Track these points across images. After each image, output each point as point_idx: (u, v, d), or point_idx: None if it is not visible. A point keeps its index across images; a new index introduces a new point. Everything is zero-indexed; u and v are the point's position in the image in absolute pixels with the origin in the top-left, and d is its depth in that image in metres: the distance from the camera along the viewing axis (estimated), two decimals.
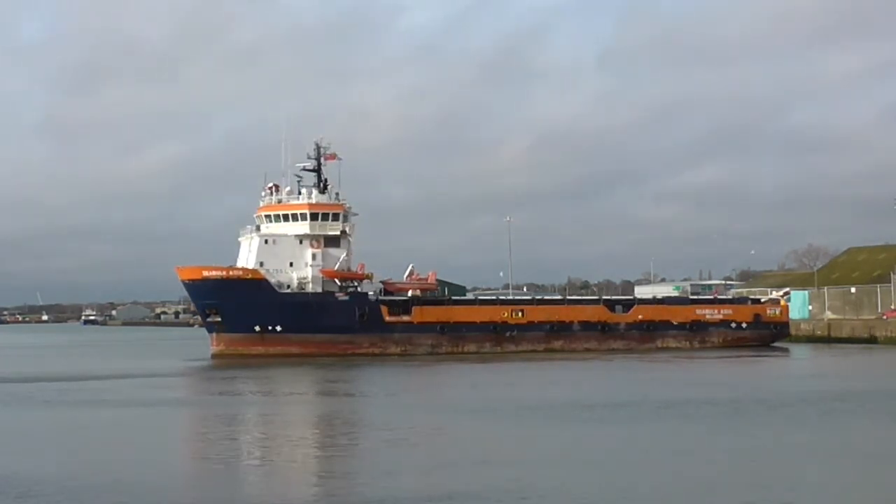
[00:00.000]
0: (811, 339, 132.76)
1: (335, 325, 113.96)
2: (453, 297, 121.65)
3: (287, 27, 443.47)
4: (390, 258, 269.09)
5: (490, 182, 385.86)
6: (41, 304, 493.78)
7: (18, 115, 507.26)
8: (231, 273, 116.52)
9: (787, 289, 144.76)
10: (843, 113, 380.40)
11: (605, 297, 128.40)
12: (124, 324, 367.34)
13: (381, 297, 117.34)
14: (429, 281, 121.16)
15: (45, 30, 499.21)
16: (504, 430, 47.19)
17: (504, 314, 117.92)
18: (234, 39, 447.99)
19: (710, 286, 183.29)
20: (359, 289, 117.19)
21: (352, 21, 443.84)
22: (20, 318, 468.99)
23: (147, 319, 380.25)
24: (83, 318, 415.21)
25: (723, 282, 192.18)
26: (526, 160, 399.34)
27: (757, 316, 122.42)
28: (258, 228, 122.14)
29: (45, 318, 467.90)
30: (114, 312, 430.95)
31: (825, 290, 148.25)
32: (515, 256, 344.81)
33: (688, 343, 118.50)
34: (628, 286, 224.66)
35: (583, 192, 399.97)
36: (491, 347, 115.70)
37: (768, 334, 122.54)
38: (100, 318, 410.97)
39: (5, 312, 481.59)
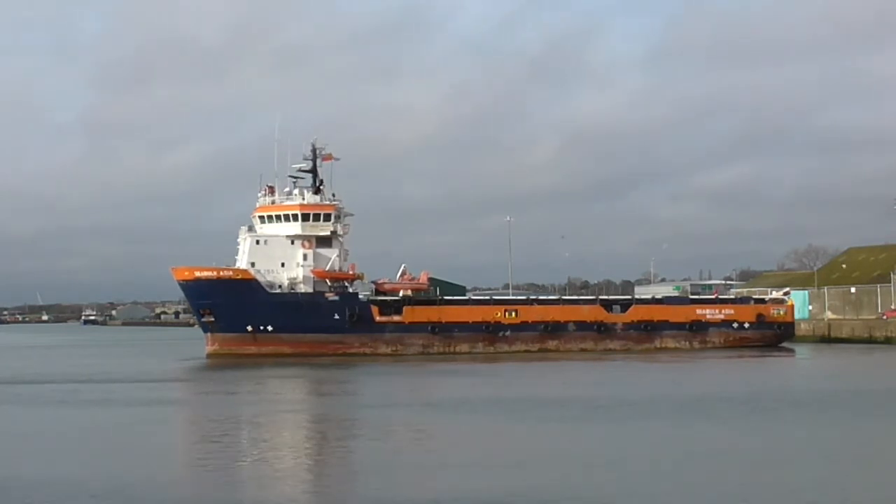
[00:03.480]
0: (811, 340, 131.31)
1: (325, 325, 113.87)
2: (445, 297, 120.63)
3: (340, 26, 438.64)
4: (402, 257, 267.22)
5: (514, 182, 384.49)
6: (41, 303, 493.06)
7: (53, 114, 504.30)
8: (222, 274, 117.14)
9: (787, 289, 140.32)
10: (875, 115, 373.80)
11: (601, 297, 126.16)
12: (124, 324, 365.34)
13: (372, 297, 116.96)
14: (420, 281, 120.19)
15: (99, 27, 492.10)
16: (528, 431, 46.37)
17: (497, 314, 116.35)
18: (285, 39, 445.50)
19: (710, 286, 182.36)
20: (349, 289, 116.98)
21: (405, 20, 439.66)
22: (20, 318, 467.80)
23: (147, 319, 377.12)
24: (83, 318, 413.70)
25: (723, 282, 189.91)
26: (553, 160, 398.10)
27: (760, 316, 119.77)
28: (250, 229, 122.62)
29: (45, 318, 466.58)
30: (114, 312, 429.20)
31: (825, 290, 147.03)
32: (526, 257, 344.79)
33: (687, 344, 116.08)
34: (628, 286, 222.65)
35: (603, 192, 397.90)
36: (483, 348, 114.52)
37: (772, 335, 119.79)
38: (100, 318, 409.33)
39: (5, 312, 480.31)
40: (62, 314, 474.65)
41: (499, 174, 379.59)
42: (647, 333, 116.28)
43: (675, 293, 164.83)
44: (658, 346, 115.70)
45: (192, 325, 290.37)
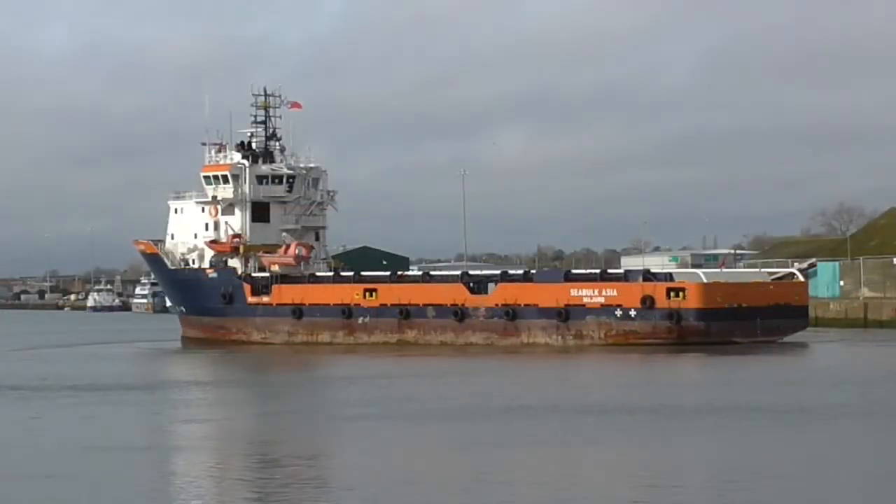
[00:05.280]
0: (843, 324, 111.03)
1: (208, 306, 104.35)
2: (316, 274, 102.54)
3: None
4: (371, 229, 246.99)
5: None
6: None
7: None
8: (140, 248, 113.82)
9: (812, 259, 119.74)
10: None
11: (468, 272, 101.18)
12: None
13: (246, 275, 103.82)
14: (287, 254, 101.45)
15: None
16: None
17: (356, 295, 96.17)
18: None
19: (715, 256, 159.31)
20: (239, 264, 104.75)
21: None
22: None
23: (3, 301, 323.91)
24: None
25: (731, 251, 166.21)
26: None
27: (648, 301, 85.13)
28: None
29: None
30: None
31: (860, 262, 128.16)
32: (493, 224, 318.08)
33: (559, 338, 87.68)
34: (613, 257, 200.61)
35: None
36: (343, 337, 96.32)
37: (666, 329, 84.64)
38: None
39: None
40: None
41: None
42: (512, 322, 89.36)
43: (674, 265, 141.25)
44: (525, 340, 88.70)
45: (63, 308, 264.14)
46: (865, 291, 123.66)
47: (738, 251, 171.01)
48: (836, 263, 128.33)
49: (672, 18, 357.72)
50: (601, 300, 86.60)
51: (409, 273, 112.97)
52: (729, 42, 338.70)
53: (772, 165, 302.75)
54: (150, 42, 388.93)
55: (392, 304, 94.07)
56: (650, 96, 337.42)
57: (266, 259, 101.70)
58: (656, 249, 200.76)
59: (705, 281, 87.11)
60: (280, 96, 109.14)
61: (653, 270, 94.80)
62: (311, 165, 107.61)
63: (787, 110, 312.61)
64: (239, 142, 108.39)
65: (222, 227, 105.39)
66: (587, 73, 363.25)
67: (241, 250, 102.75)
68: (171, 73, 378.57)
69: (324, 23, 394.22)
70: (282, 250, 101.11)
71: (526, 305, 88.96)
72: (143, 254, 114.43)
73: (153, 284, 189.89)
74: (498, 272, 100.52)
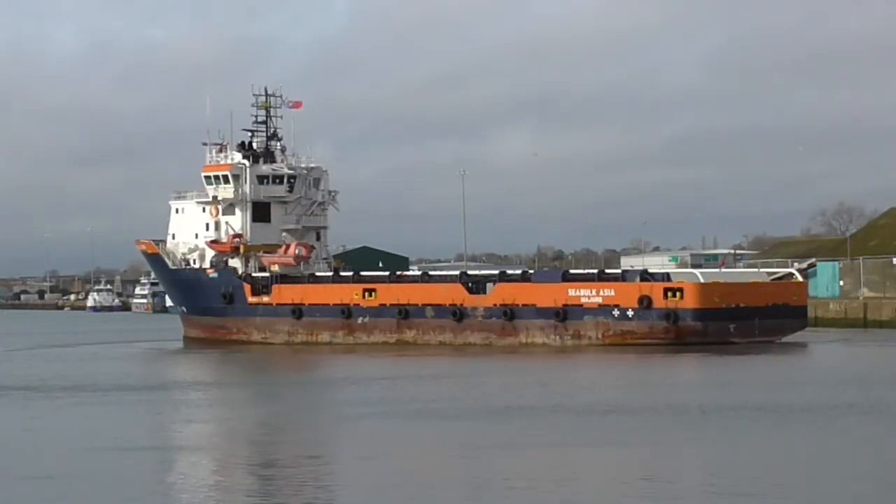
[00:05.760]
0: (842, 324, 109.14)
1: (208, 305, 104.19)
2: (315, 274, 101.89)
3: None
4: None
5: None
6: None
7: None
8: (142, 247, 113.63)
9: (811, 259, 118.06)
10: None
11: (466, 273, 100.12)
12: None
13: (246, 275, 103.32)
14: (287, 254, 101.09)
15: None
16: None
17: (355, 295, 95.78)
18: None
19: (715, 256, 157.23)
20: (240, 264, 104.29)
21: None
22: None
23: (3, 301, 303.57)
24: None
25: (731, 251, 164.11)
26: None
27: (646, 301, 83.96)
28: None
29: None
30: None
31: (860, 262, 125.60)
32: (492, 223, 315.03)
33: (557, 338, 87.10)
34: (613, 257, 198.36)
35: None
36: (343, 337, 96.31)
37: (663, 329, 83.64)
38: None
39: None
40: None
41: None
42: (511, 322, 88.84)
43: (673, 265, 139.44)
44: (524, 340, 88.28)
45: (63, 308, 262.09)
46: (865, 291, 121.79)
47: (737, 251, 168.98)
48: (836, 263, 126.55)
49: (674, 19, 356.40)
50: (599, 300, 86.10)
51: (408, 273, 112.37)
52: (731, 42, 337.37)
53: (772, 165, 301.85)
54: (157, 42, 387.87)
55: (391, 304, 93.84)
56: (651, 96, 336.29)
57: (266, 259, 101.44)
58: (656, 249, 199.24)
59: (703, 281, 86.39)
60: (281, 96, 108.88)
61: (651, 270, 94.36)
62: (312, 165, 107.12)
63: (788, 110, 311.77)
64: (240, 142, 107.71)
65: (223, 227, 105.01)
66: (589, 74, 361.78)
67: (242, 250, 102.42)
68: (177, 73, 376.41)
69: (329, 23, 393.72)
70: (282, 250, 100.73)
71: (524, 305, 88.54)
72: (145, 254, 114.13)
73: (153, 284, 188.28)
74: (496, 272, 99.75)
